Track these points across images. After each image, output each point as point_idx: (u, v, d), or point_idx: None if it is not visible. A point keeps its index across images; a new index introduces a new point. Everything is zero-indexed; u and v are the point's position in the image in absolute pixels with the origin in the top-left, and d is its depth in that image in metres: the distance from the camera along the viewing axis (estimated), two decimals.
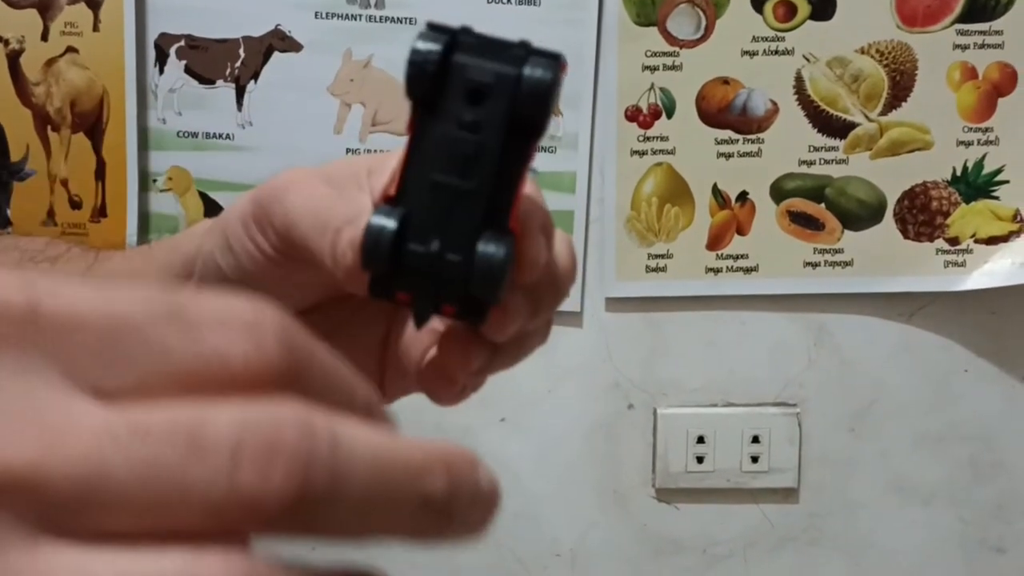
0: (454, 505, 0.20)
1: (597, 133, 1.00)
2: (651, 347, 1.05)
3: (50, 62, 0.99)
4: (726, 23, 0.99)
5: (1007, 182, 1.02)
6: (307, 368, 0.19)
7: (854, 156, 1.01)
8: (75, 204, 1.01)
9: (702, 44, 0.99)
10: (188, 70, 0.99)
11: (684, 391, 1.05)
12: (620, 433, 1.06)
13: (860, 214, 1.02)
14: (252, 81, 0.99)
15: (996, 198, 1.02)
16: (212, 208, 1.01)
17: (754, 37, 0.99)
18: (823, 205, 1.02)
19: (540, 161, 1.00)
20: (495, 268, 0.30)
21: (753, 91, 1.00)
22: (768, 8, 0.99)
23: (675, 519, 1.07)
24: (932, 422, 1.06)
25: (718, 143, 1.01)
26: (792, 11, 0.99)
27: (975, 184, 1.02)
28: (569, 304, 1.02)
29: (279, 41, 0.99)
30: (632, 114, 1.00)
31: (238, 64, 0.99)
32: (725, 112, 1.00)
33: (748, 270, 1.03)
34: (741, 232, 1.02)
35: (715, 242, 1.02)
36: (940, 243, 1.02)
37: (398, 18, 0.98)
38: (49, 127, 1.00)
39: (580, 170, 1.01)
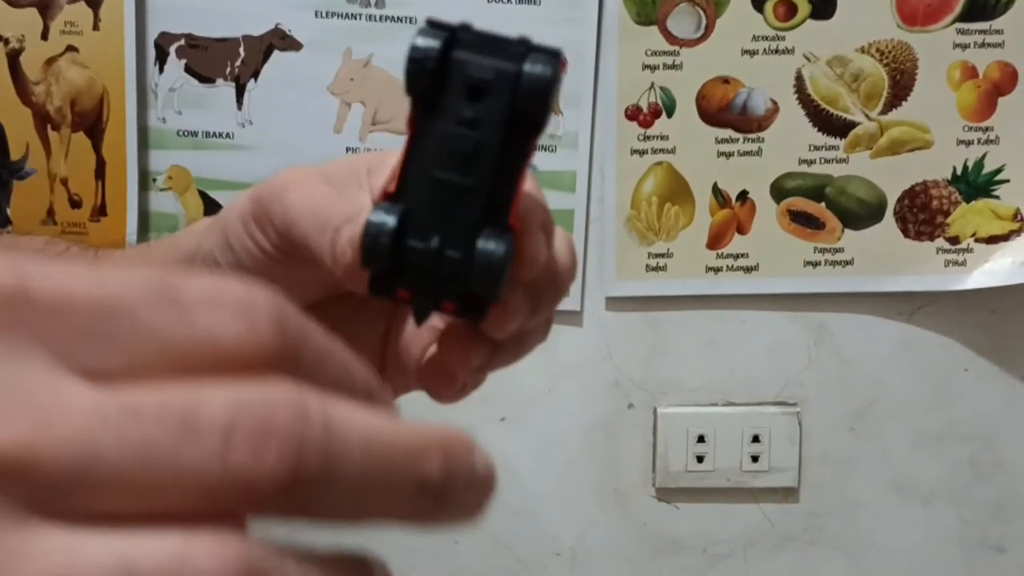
0: (450, 488, 0.20)
1: (597, 132, 1.00)
2: (651, 346, 1.05)
3: (50, 61, 0.99)
4: (726, 22, 0.99)
5: (1007, 181, 1.02)
6: (301, 349, 0.19)
7: (854, 155, 1.01)
8: (75, 203, 1.01)
9: (702, 43, 0.99)
10: (188, 69, 0.99)
11: (684, 390, 1.05)
12: (620, 432, 1.06)
13: (860, 213, 1.02)
14: (252, 80, 0.99)
15: (996, 197, 1.02)
16: (212, 207, 1.01)
17: (754, 36, 0.99)
18: (823, 204, 1.02)
19: (540, 160, 1.00)
20: (495, 264, 0.30)
21: (753, 90, 1.00)
22: (768, 7, 0.99)
23: (675, 518, 1.07)
24: (932, 421, 1.06)
25: (718, 142, 1.01)
26: (792, 10, 0.99)
27: (975, 183, 1.02)
28: (569, 303, 1.02)
29: (279, 40, 0.99)
30: (632, 113, 1.00)
31: (238, 63, 0.99)
32: (725, 111, 1.00)
33: (748, 269, 1.03)
34: (741, 231, 1.02)
35: (715, 241, 1.02)
36: (940, 242, 1.02)
37: (398, 17, 0.98)
38: (49, 126, 1.00)
39: (580, 169, 1.01)
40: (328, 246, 0.33)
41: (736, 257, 1.03)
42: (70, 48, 0.98)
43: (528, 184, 0.32)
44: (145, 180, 1.00)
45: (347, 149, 1.00)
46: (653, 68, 0.99)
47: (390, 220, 0.30)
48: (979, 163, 1.01)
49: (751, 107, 1.00)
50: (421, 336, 0.39)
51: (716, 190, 1.02)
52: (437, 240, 0.30)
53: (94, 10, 0.98)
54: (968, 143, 1.01)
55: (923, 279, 1.03)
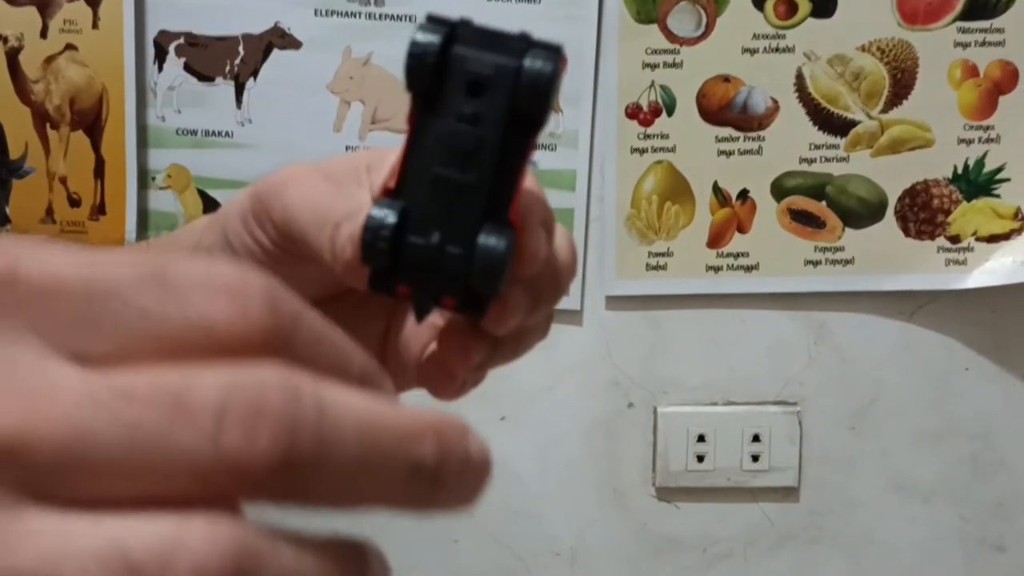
0: (444, 473, 0.20)
1: (597, 131, 1.00)
2: (651, 345, 1.05)
3: (49, 60, 0.98)
4: (727, 21, 0.99)
5: (1008, 180, 1.01)
6: (294, 333, 0.19)
7: (855, 154, 1.01)
8: (74, 202, 1.00)
9: (703, 42, 0.99)
10: (187, 67, 0.99)
11: (684, 389, 1.05)
12: (620, 431, 1.06)
13: (861, 212, 1.02)
14: (251, 79, 0.99)
15: (997, 196, 1.02)
16: (211, 206, 1.01)
17: (755, 35, 0.99)
18: (824, 203, 1.02)
19: (540, 159, 1.00)
20: (495, 260, 0.30)
21: (754, 89, 1.00)
22: (769, 5, 0.99)
23: (675, 518, 1.07)
24: (932, 420, 1.06)
25: (719, 141, 1.01)
26: (793, 9, 0.99)
27: (976, 182, 1.01)
28: (569, 302, 1.02)
29: (278, 38, 0.98)
30: (632, 112, 1.00)
31: (237, 61, 0.99)
32: (726, 110, 1.00)
33: (749, 268, 1.03)
34: (742, 230, 1.02)
35: (715, 240, 1.02)
36: (941, 241, 1.02)
37: (397, 15, 0.98)
38: (48, 125, 1.00)
39: (580, 168, 1.01)
40: (328, 243, 0.33)
41: (736, 256, 1.02)
42: (69, 47, 0.98)
43: (528, 181, 0.32)
44: (144, 179, 1.00)
45: (347, 147, 1.00)
46: (653, 66, 0.99)
47: (390, 216, 0.30)
48: (980, 162, 1.01)
49: (751, 106, 1.00)
50: (421, 334, 0.38)
51: (716, 189, 1.01)
52: (437, 236, 0.30)
53: (93, 8, 0.97)
54: (969, 142, 1.01)
55: (923, 278, 1.03)
